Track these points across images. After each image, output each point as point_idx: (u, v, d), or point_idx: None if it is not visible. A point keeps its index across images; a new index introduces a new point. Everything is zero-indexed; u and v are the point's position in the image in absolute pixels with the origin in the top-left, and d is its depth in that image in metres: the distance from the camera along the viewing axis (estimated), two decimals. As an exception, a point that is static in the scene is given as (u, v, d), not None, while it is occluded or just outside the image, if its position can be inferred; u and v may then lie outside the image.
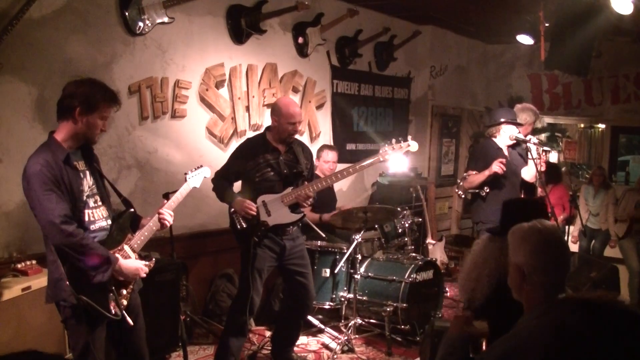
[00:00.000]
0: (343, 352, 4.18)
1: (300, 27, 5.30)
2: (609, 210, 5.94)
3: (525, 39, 5.64)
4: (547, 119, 8.03)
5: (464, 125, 7.89)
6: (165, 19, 4.14)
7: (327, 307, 4.53)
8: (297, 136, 3.76)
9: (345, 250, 4.38)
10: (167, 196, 2.89)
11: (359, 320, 4.43)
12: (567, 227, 5.67)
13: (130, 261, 2.58)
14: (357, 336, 4.40)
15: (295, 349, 4.05)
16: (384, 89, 6.54)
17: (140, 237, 2.68)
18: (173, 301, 3.84)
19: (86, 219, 2.48)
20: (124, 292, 2.57)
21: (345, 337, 4.24)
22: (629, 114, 7.27)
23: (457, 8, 6.09)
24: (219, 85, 4.66)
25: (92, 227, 2.51)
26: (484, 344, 2.10)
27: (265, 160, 3.55)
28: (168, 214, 2.76)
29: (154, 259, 2.73)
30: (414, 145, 3.58)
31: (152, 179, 4.28)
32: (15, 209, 3.49)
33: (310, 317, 4.43)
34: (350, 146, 6.11)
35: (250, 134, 4.73)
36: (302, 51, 5.35)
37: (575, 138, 8.87)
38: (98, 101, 2.45)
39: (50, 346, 3.17)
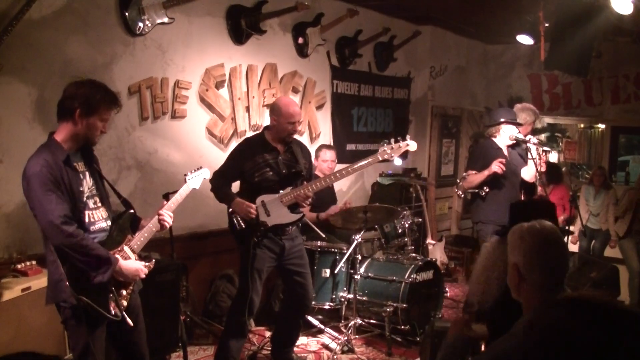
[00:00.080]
0: (343, 352, 4.18)
1: (300, 27, 5.30)
2: (609, 211, 5.94)
3: (525, 39, 5.64)
4: (547, 119, 8.03)
5: (464, 126, 7.88)
6: (165, 20, 4.14)
7: (327, 307, 4.53)
8: (296, 136, 3.77)
9: (345, 251, 4.38)
10: (166, 197, 2.89)
11: (359, 321, 4.43)
12: (567, 227, 5.66)
13: (130, 262, 2.58)
14: (357, 336, 4.41)
15: (295, 349, 4.05)
16: (384, 89, 6.53)
17: (140, 238, 2.68)
18: (173, 302, 3.84)
19: (86, 220, 2.48)
20: (124, 292, 2.57)
21: (345, 338, 4.24)
22: (628, 114, 7.26)
23: (457, 8, 6.08)
24: (219, 85, 4.66)
25: (92, 228, 2.51)
26: (482, 347, 2.10)
27: (264, 160, 3.54)
28: (168, 215, 2.76)
29: (153, 260, 2.73)
30: (412, 145, 3.58)
31: (152, 179, 4.28)
32: (15, 210, 3.49)
33: (310, 318, 4.44)
34: (350, 146, 6.10)
35: (250, 134, 4.72)
36: (302, 51, 5.35)
37: (575, 138, 8.85)
38: (98, 103, 2.44)
39: (50, 347, 3.17)
